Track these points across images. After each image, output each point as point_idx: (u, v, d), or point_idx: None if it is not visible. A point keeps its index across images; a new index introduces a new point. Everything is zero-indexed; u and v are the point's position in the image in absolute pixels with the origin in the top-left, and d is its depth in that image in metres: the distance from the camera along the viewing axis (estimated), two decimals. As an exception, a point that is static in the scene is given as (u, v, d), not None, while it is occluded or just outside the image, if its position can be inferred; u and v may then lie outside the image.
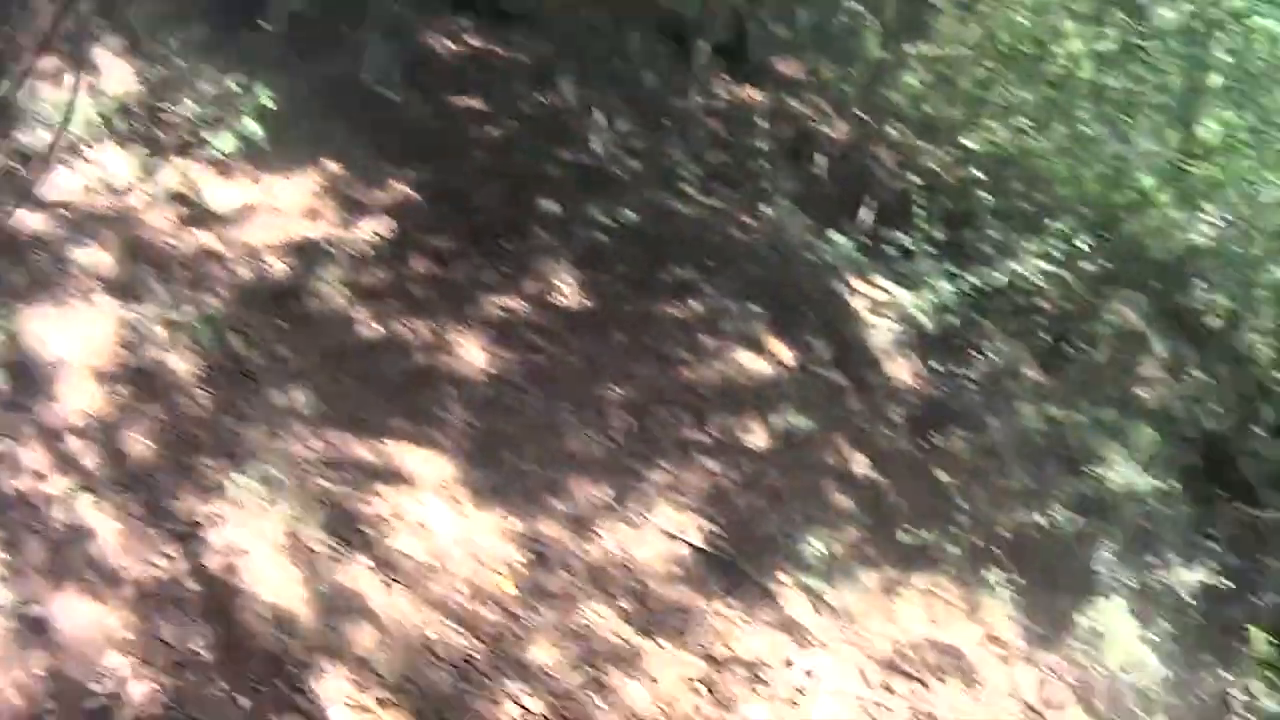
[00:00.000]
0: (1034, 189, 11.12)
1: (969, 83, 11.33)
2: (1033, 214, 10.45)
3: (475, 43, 10.92)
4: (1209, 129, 11.85)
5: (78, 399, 5.79)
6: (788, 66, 12.46)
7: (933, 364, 9.04)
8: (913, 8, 10.49)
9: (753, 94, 10.72)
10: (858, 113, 10.50)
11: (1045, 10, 11.28)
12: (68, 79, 7.75)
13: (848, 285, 9.06)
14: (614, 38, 10.83)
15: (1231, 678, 7.85)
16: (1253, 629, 7.94)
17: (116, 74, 7.95)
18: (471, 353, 7.49)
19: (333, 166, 8.45)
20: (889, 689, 6.66)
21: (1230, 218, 11.64)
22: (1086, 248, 10.28)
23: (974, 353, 9.26)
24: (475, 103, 10.11)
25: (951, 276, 9.50)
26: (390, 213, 8.20)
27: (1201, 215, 11.62)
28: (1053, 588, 7.88)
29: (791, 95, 11.66)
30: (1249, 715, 7.67)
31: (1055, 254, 9.78)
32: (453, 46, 10.78)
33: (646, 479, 7.13)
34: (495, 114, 10.02)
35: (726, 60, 11.85)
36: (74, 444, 5.49)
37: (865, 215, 9.96)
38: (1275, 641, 7.86)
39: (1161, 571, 8.30)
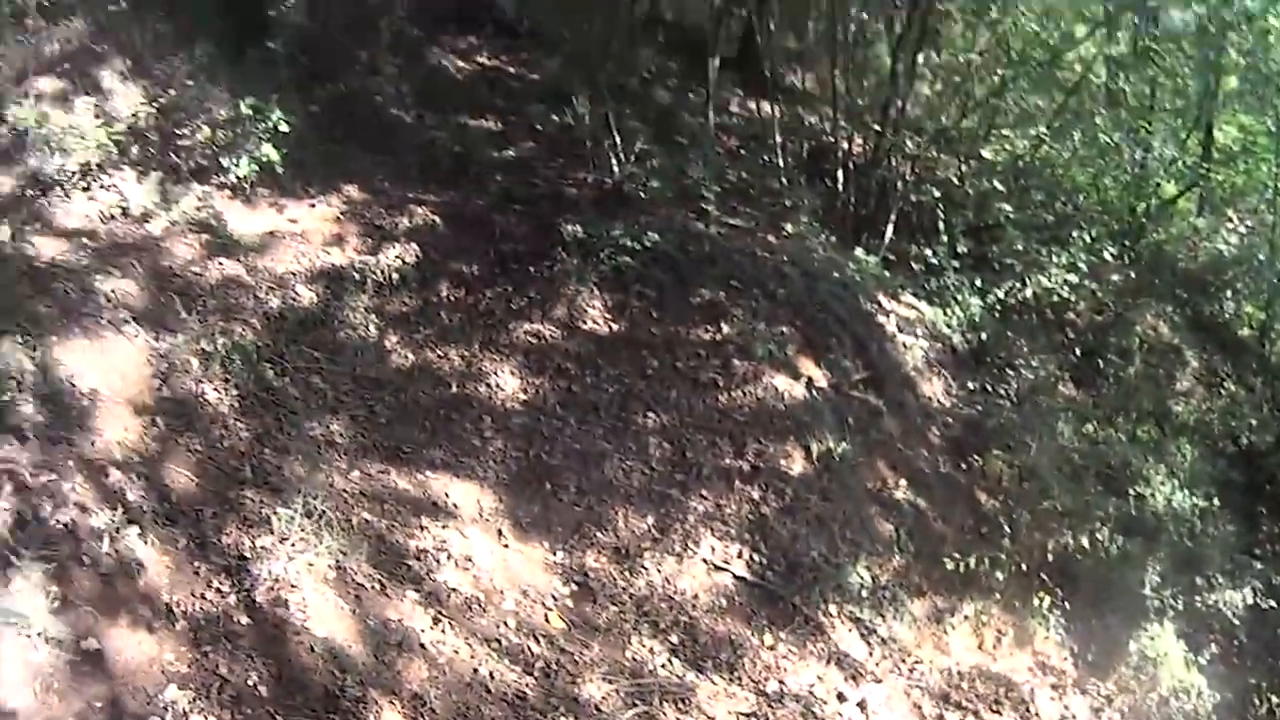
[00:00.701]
0: (1055, 199, 11.00)
1: (982, 91, 11.23)
2: (1055, 224, 10.32)
3: (485, 60, 10.82)
4: (1227, 133, 11.83)
5: (116, 431, 5.65)
6: (799, 79, 12.33)
7: (966, 382, 8.86)
8: (922, 16, 10.29)
9: (766, 108, 10.45)
10: (873, 125, 10.29)
11: (1055, 15, 11.22)
12: (77, 102, 7.58)
13: (875, 303, 8.85)
14: (625, 54, 10.70)
15: (1281, 701, 7.67)
16: (1304, 651, 7.76)
17: (125, 97, 7.71)
18: (505, 380, 7.33)
19: (352, 191, 8.29)
20: (944, 722, 6.48)
21: (1253, 225, 11.60)
22: (1112, 258, 10.15)
23: (1007, 369, 9.08)
24: (490, 123, 9.97)
25: (979, 291, 9.35)
26: (413, 238, 7.99)
27: (1225, 224, 11.57)
28: (1101, 612, 7.70)
29: (805, 108, 11.48)
30: (1302, 740, 7.49)
31: (1081, 265, 9.63)
32: (463, 65, 10.67)
33: (687, 508, 6.95)
34: (511, 134, 9.88)
35: (736, 73, 11.71)
36: (116, 477, 5.36)
37: (888, 231, 9.76)
38: (1324, 662, 7.69)
39: (1208, 593, 8.12)
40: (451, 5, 11.10)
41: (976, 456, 8.20)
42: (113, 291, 6.35)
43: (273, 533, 5.39)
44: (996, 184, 10.45)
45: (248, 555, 5.27)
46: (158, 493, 5.44)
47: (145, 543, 5.07)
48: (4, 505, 4.86)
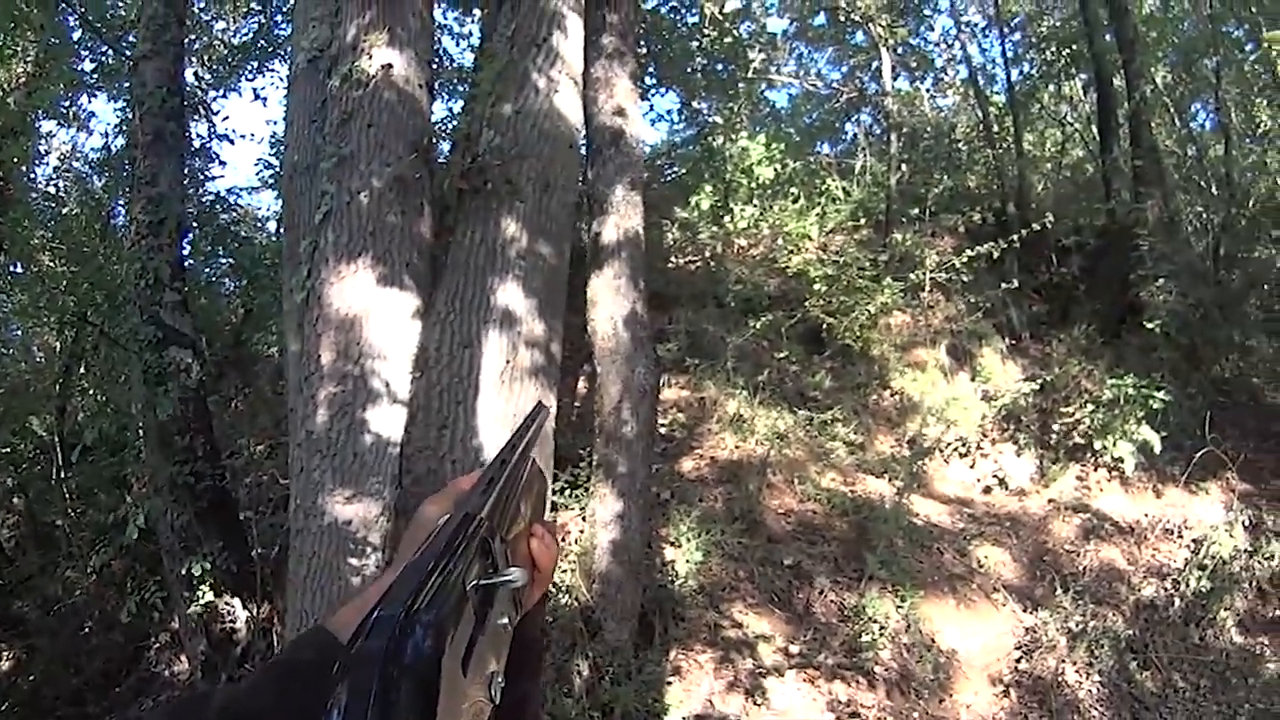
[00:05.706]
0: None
1: None
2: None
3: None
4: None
5: (966, 694, 5.65)
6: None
7: None
8: None
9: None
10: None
11: None
12: (959, 377, 8.03)
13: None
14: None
15: None
16: None
17: (1004, 374, 8.00)
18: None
19: (1233, 480, 7.49)
20: None
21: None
22: None
23: None
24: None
25: None
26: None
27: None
28: None
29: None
30: None
31: None
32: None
33: None
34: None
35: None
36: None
37: None
38: None
39: None
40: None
41: None
42: (985, 558, 6.44)
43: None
44: None
45: None
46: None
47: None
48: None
